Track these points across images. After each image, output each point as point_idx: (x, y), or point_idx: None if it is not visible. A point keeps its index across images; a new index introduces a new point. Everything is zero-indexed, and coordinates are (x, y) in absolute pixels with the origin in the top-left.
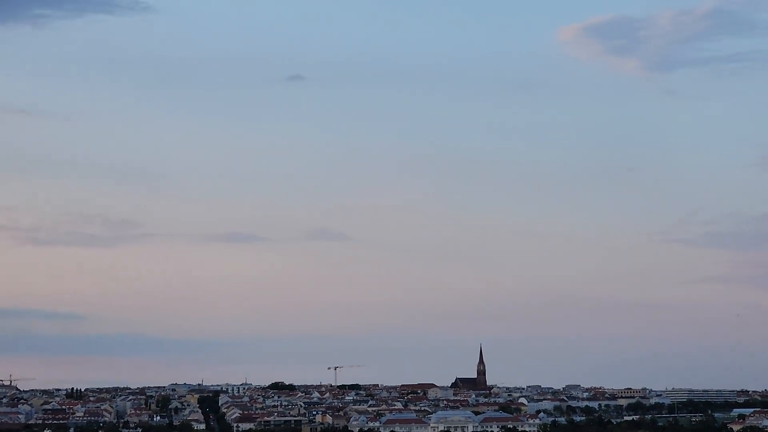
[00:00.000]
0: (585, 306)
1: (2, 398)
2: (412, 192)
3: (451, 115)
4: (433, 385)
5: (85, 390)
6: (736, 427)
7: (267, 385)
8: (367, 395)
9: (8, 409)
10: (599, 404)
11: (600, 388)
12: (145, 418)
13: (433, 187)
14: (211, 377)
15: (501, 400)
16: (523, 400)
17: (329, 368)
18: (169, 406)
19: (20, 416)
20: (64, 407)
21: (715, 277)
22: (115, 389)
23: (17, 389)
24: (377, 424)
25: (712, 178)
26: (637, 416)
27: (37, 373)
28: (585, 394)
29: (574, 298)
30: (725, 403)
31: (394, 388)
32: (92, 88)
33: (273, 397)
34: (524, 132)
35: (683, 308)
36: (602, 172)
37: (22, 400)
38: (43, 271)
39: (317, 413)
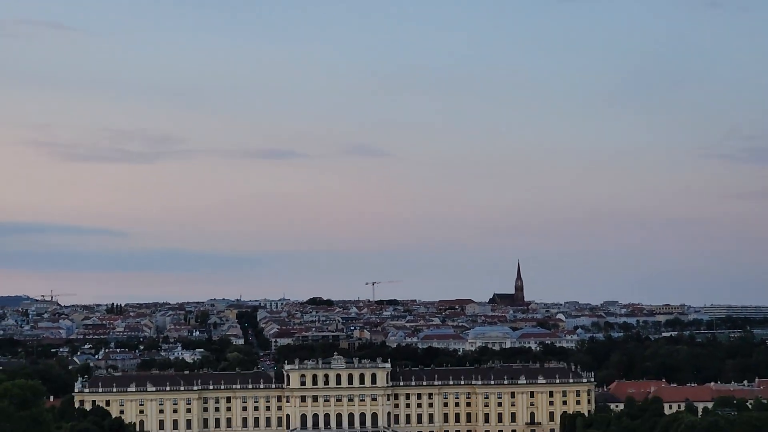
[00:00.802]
0: (624, 222)
1: (44, 313)
2: (452, 109)
3: (487, 31)
4: (470, 301)
5: (125, 305)
6: None
7: (305, 300)
8: (404, 311)
9: (50, 324)
10: (637, 320)
11: (638, 305)
12: (185, 332)
13: (473, 105)
14: (250, 293)
15: (539, 316)
16: (560, 316)
17: (367, 283)
18: (208, 321)
19: (61, 331)
20: (104, 322)
21: (755, 192)
22: (155, 304)
23: (58, 305)
24: (415, 339)
25: (754, 92)
26: (675, 332)
27: (77, 289)
28: (623, 311)
29: (613, 213)
30: (764, 319)
31: (432, 303)
32: (133, 3)
33: (311, 312)
34: (563, 47)
35: (723, 224)
36: (643, 87)
37: (63, 316)
38: (82, 187)
39: (355, 328)
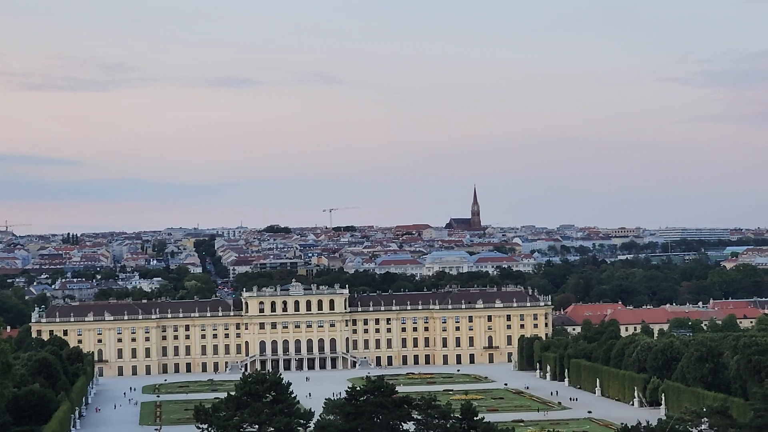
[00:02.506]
0: (579, 145)
1: None
2: (406, 34)
3: None
4: (427, 226)
5: (82, 235)
6: (729, 265)
7: (262, 228)
8: (362, 237)
9: (5, 255)
10: (593, 244)
11: (594, 228)
12: (142, 262)
13: (426, 29)
14: (207, 221)
15: (495, 241)
16: (517, 240)
17: (324, 210)
18: (166, 250)
19: (17, 261)
20: (60, 252)
21: (709, 115)
22: (111, 234)
23: (13, 235)
24: (372, 265)
25: (707, 16)
26: (631, 255)
27: (33, 219)
28: (579, 234)
29: (569, 137)
30: (719, 241)
31: (389, 229)
32: None
33: (269, 240)
34: None
35: (678, 147)
36: (598, 10)
37: (18, 246)
38: (37, 116)
39: (312, 255)
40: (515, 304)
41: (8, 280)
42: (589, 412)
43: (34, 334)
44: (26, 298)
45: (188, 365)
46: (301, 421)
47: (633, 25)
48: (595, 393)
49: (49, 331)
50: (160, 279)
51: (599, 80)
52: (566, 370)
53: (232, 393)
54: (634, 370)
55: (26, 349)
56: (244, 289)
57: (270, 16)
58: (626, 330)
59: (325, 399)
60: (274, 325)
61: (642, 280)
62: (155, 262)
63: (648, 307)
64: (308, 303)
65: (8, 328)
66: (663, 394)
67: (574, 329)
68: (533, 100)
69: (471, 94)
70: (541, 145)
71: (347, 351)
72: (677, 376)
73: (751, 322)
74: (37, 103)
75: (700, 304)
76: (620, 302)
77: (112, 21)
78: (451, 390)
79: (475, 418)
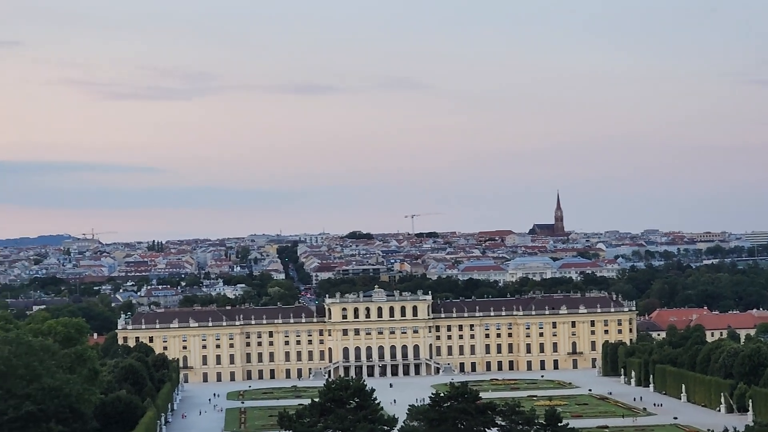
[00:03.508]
0: (664, 149)
1: (85, 251)
2: (490, 40)
3: None
4: (510, 232)
5: (166, 242)
6: None
7: (345, 234)
8: (444, 243)
9: (92, 263)
10: (678, 248)
11: (679, 233)
12: (226, 269)
13: (508, 32)
14: (290, 227)
15: (579, 246)
16: (601, 245)
17: (407, 216)
18: (249, 257)
19: (103, 269)
20: (145, 259)
21: None
22: (196, 241)
23: (99, 243)
24: (455, 271)
25: None
26: (717, 260)
27: (118, 227)
28: (664, 239)
29: (653, 141)
30: None
31: (472, 235)
32: None
33: (351, 246)
34: None
35: (764, 150)
36: (679, 13)
37: (104, 253)
38: (122, 125)
39: (395, 261)
40: (599, 310)
41: (95, 288)
42: (675, 418)
43: (120, 341)
44: (112, 305)
45: (272, 372)
46: (385, 427)
47: (716, 26)
48: (680, 399)
49: (135, 337)
50: (243, 285)
51: (683, 83)
52: (651, 376)
53: (316, 399)
54: (721, 375)
55: (113, 355)
56: (327, 295)
57: (350, 22)
58: (712, 335)
59: (409, 405)
60: (357, 332)
61: (728, 284)
62: (239, 268)
63: (734, 312)
64: (391, 309)
65: (95, 335)
66: (750, 400)
67: (658, 335)
68: (617, 103)
69: (553, 97)
70: (625, 149)
71: (430, 357)
72: (765, 382)
73: None
74: (122, 113)
75: None
76: (706, 307)
77: (195, 30)
78: (535, 396)
79: (559, 424)
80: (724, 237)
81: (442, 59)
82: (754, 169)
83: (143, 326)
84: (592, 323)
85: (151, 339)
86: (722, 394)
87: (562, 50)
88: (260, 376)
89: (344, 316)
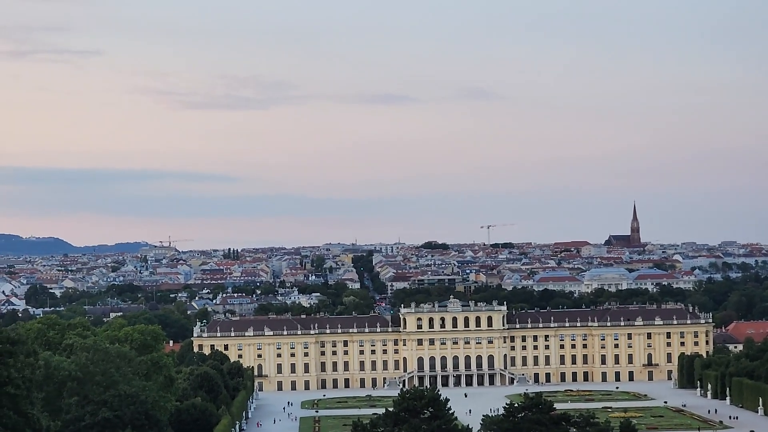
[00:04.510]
0: (741, 160)
1: (162, 259)
2: (566, 50)
3: None
4: (586, 243)
5: (242, 250)
6: None
7: (420, 244)
8: (520, 253)
9: (168, 270)
10: (756, 260)
11: (756, 244)
12: (301, 277)
13: (588, 46)
14: (365, 237)
15: (655, 257)
16: (677, 257)
17: (482, 227)
18: (324, 266)
19: (179, 276)
20: (221, 267)
21: None
22: (271, 249)
23: (176, 250)
24: (531, 282)
25: None
26: None
27: (195, 234)
28: (741, 251)
29: (730, 152)
30: None
31: (548, 245)
32: None
33: (426, 256)
34: None
35: None
36: (756, 23)
37: (181, 261)
38: (199, 134)
39: (470, 272)
40: (675, 322)
41: (171, 295)
42: (752, 431)
43: (195, 349)
44: (188, 312)
45: (346, 381)
46: None
47: None
48: (757, 412)
49: (210, 345)
50: (318, 294)
51: (760, 92)
52: (728, 389)
53: (391, 409)
54: None
55: (188, 363)
56: (402, 305)
57: (426, 32)
58: None
59: (483, 415)
60: (432, 342)
61: None
62: (314, 277)
63: None
64: (466, 319)
65: (171, 342)
66: None
67: (735, 347)
68: (692, 112)
69: (630, 107)
70: (702, 159)
71: (505, 368)
72: None
73: None
74: (199, 122)
75: None
76: None
77: (271, 40)
78: (610, 407)
79: None
80: None
81: (516, 68)
82: None
83: (218, 334)
84: (668, 335)
85: (226, 347)
86: None
87: (641, 59)
88: (335, 386)
89: (419, 326)
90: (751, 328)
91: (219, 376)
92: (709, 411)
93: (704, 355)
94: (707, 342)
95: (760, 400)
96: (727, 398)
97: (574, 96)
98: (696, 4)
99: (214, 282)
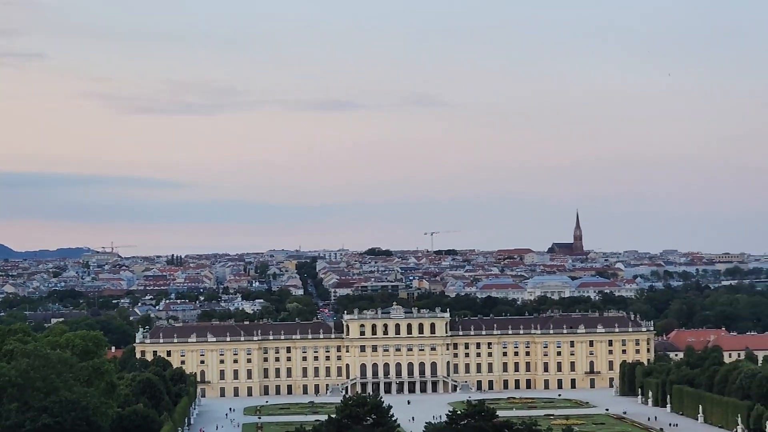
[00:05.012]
0: (683, 169)
1: (104, 265)
2: (510, 57)
3: None
4: (529, 250)
5: (186, 256)
6: None
7: (364, 250)
8: (463, 260)
9: (110, 276)
10: (697, 269)
11: (697, 253)
12: (244, 283)
13: (531, 52)
14: (309, 243)
15: (597, 265)
16: (620, 265)
17: (426, 233)
18: (268, 272)
19: (122, 282)
20: (164, 273)
21: None
22: (215, 255)
23: (119, 256)
24: (474, 289)
25: None
26: (735, 281)
27: (138, 240)
28: (682, 259)
29: (673, 161)
30: None
31: (491, 253)
32: None
33: (370, 262)
34: None
35: None
36: (708, 32)
37: (123, 267)
38: (144, 139)
39: (414, 278)
40: (617, 330)
41: (113, 301)
42: None
43: (138, 355)
44: (131, 318)
45: (289, 387)
46: None
47: (745, 46)
48: (697, 419)
49: (153, 351)
50: (262, 301)
51: (703, 102)
52: (668, 396)
53: (333, 415)
54: (738, 397)
55: (130, 369)
56: (345, 311)
57: (372, 39)
58: (730, 356)
59: (426, 422)
60: (375, 348)
61: (746, 305)
62: (257, 283)
63: (752, 333)
64: (409, 326)
65: (113, 348)
66: (767, 422)
67: (676, 355)
68: (638, 121)
69: (574, 115)
70: (645, 168)
71: (448, 375)
72: None
73: None
74: (144, 127)
75: None
76: (724, 328)
77: (217, 46)
78: (552, 415)
79: None
80: (743, 258)
81: (461, 75)
82: None
83: (161, 340)
84: (610, 343)
85: (168, 353)
86: (739, 415)
87: (584, 67)
88: (277, 392)
89: (362, 333)
90: (691, 336)
91: (161, 383)
92: (649, 418)
93: (645, 363)
94: (648, 350)
95: (700, 407)
96: (668, 406)
97: (518, 104)
98: (638, 18)
99: (157, 288)
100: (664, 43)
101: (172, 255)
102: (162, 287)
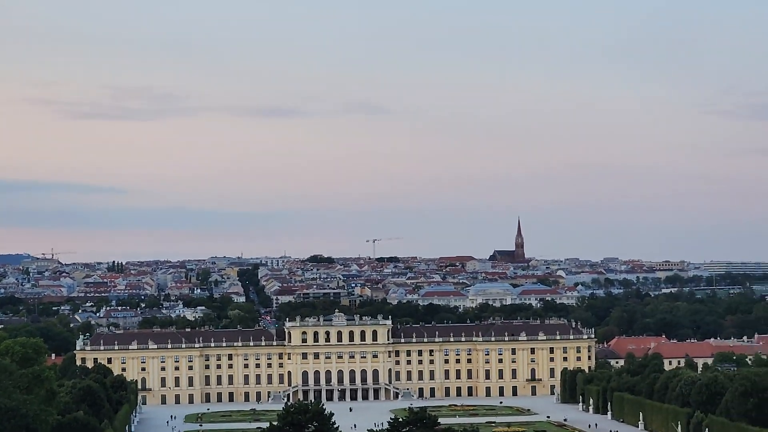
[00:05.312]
0: (624, 177)
1: (45, 271)
2: (453, 66)
3: None
4: (471, 258)
5: (127, 263)
6: None
7: (306, 258)
8: (405, 268)
9: (51, 282)
10: (637, 277)
11: (638, 261)
12: (186, 290)
13: (470, 59)
14: (251, 250)
15: (539, 273)
16: (561, 272)
17: (368, 241)
18: (209, 279)
19: (62, 289)
20: (105, 280)
21: (755, 149)
22: (156, 262)
23: (59, 263)
24: (416, 296)
25: (754, 49)
26: (675, 289)
27: (79, 247)
28: (623, 267)
29: (614, 169)
30: (764, 275)
31: (433, 260)
32: None
33: (312, 269)
34: (563, 3)
35: (723, 180)
36: (644, 43)
37: (64, 274)
38: (84, 145)
39: (356, 286)
40: (558, 337)
41: (53, 308)
42: None
43: (78, 362)
44: (71, 325)
45: (231, 394)
46: None
47: (679, 56)
48: (638, 427)
49: (94, 359)
50: (203, 308)
51: (645, 112)
52: (609, 404)
53: (275, 423)
54: (678, 404)
55: (70, 376)
56: (287, 318)
57: (315, 47)
58: (670, 364)
59: (368, 430)
60: (316, 356)
61: (686, 313)
62: (199, 290)
63: (692, 341)
64: (351, 334)
65: (53, 355)
66: (707, 429)
67: (617, 362)
68: (579, 131)
69: (516, 123)
70: (586, 176)
71: (390, 382)
72: (721, 411)
73: None
74: (85, 132)
75: (744, 338)
76: (664, 336)
77: (160, 51)
78: (494, 422)
79: None
80: (683, 266)
81: (404, 85)
82: (712, 199)
83: (102, 347)
84: (551, 350)
85: (109, 360)
86: (678, 422)
87: (525, 77)
88: (219, 399)
89: (304, 340)
90: (632, 343)
91: (102, 390)
92: (590, 426)
93: (586, 370)
94: (589, 357)
95: (641, 414)
96: (609, 413)
97: (460, 113)
98: (581, 25)
99: (97, 295)
100: (605, 55)
101: (113, 262)
102: (103, 294)
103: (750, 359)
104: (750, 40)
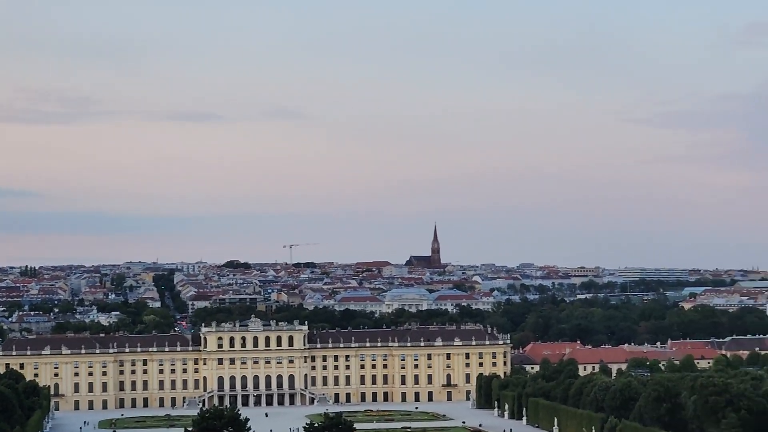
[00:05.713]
0: (539, 183)
1: None
2: (368, 71)
3: None
4: (387, 263)
5: (40, 268)
6: (687, 305)
7: (222, 263)
8: (322, 273)
9: None
10: (553, 282)
11: (553, 267)
12: (100, 295)
13: (387, 65)
14: (166, 255)
15: (455, 278)
16: (477, 278)
17: (284, 246)
18: (124, 284)
19: None
20: (17, 285)
21: (670, 156)
22: (70, 267)
23: None
24: (332, 301)
25: (669, 57)
26: (590, 295)
27: None
28: (539, 273)
29: (530, 175)
30: (677, 282)
31: (349, 266)
32: None
33: (228, 275)
34: (483, 10)
35: (638, 187)
36: (560, 51)
37: None
38: None
39: (272, 291)
40: (474, 342)
41: None
42: None
43: None
44: None
45: (145, 400)
46: None
47: (595, 64)
48: None
49: (5, 364)
50: (118, 313)
51: (561, 119)
52: (524, 409)
53: (190, 428)
54: (592, 409)
55: None
56: (203, 324)
57: (234, 51)
58: (585, 369)
59: None
60: (232, 361)
61: (601, 319)
62: (113, 296)
63: (606, 346)
64: (267, 339)
65: None
66: None
67: (532, 368)
68: (495, 137)
69: (432, 130)
70: (502, 183)
71: (306, 387)
72: (635, 416)
73: (709, 363)
74: None
75: (658, 344)
76: (579, 341)
77: (75, 54)
78: (409, 427)
79: None
80: (598, 272)
81: (321, 90)
82: (626, 206)
83: (14, 353)
84: (467, 356)
85: (21, 366)
86: (592, 427)
87: (441, 83)
88: (133, 405)
89: (220, 345)
90: (547, 349)
91: (14, 396)
92: (505, 431)
93: (502, 376)
94: (505, 363)
95: (555, 420)
96: (524, 418)
97: (378, 118)
98: (497, 31)
99: (9, 300)
100: (522, 61)
101: (26, 266)
102: (15, 299)
103: (663, 365)
104: (664, 50)
